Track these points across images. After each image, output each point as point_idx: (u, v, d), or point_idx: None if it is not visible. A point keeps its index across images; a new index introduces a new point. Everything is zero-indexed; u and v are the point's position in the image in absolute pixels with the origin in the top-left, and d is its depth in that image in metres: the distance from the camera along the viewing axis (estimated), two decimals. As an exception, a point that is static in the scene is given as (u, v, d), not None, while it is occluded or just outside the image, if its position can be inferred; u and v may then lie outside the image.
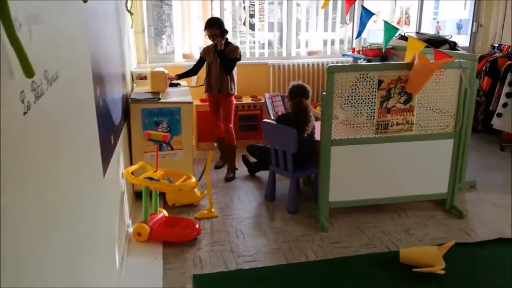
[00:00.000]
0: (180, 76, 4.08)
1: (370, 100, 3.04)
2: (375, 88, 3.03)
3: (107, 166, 2.23)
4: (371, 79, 3.01)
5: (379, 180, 3.21)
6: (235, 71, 4.09)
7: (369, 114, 3.07)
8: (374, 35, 5.79)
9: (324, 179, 3.11)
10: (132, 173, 2.97)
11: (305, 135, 3.24)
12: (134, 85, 4.12)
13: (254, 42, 5.27)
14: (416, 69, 2.94)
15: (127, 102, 3.34)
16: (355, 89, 2.99)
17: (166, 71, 3.84)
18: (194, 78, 4.71)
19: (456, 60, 3.08)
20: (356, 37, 3.85)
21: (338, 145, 3.07)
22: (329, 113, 2.99)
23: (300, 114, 3.20)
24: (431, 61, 2.98)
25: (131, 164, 3.42)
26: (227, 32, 3.95)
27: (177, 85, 4.12)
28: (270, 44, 5.45)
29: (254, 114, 5.01)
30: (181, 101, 3.44)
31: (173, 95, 3.71)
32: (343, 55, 5.29)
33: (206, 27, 3.91)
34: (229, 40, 4.08)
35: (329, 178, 3.10)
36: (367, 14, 3.75)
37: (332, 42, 5.48)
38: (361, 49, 4.87)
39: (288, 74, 5.29)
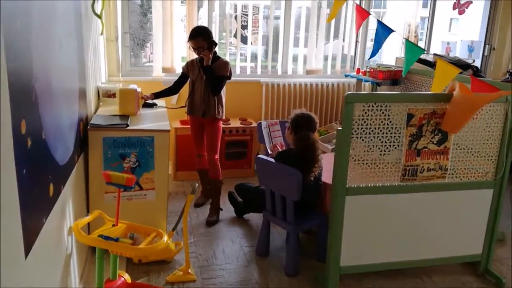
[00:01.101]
0: (157, 95, 3.37)
1: (396, 139, 2.40)
2: (404, 124, 2.38)
3: (33, 239, 1.50)
4: (399, 112, 2.37)
5: (402, 238, 2.55)
6: (223, 92, 3.41)
7: (395, 157, 2.42)
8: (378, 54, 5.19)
9: (335, 237, 2.43)
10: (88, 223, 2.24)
11: (311, 178, 2.57)
12: (101, 103, 3.39)
13: (246, 57, 4.60)
14: (456, 103, 2.31)
15: (85, 128, 2.61)
16: (379, 124, 2.35)
17: (138, 89, 3.12)
18: (175, 96, 4.01)
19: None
20: (370, 57, 3.23)
21: (355, 195, 2.40)
22: (345, 155, 2.33)
23: (305, 152, 2.53)
24: (476, 93, 2.35)
25: (87, 209, 2.68)
26: (216, 44, 3.28)
27: (152, 105, 3.41)
28: (263, 60, 4.80)
29: (243, 140, 4.32)
30: (155, 129, 2.73)
31: (146, 120, 2.99)
32: (346, 75, 4.67)
33: (190, 38, 3.23)
34: (218, 54, 3.41)
35: (341, 236, 2.43)
36: (384, 31, 3.13)
37: (334, 57, 4.85)
38: (368, 70, 4.26)
39: (283, 95, 4.64)
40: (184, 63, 3.52)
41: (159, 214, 2.83)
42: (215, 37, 4.38)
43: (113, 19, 4.09)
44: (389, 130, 2.37)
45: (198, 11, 4.31)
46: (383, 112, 2.33)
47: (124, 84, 3.54)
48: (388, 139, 2.39)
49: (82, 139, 2.58)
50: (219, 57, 3.37)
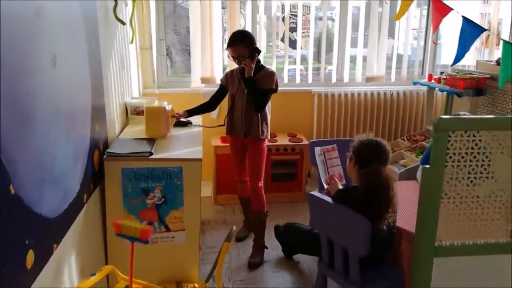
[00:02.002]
0: (191, 112, 2.88)
1: (507, 180, 1.72)
2: (519, 159, 1.71)
3: None
4: (512, 143, 1.70)
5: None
6: (268, 107, 2.86)
7: (503, 205, 1.75)
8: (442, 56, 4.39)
9: (418, 310, 1.79)
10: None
11: (383, 227, 1.94)
12: (130, 121, 2.96)
13: (295, 63, 4.03)
14: None
15: (101, 157, 2.16)
16: (483, 160, 1.69)
17: (168, 106, 2.64)
18: (215, 111, 3.51)
19: None
20: (454, 62, 2.57)
21: (447, 256, 1.75)
22: (434, 202, 1.69)
23: (375, 194, 1.90)
24: None
25: (106, 258, 2.22)
26: (259, 52, 2.74)
27: (187, 124, 2.92)
28: (315, 66, 4.20)
29: (292, 159, 3.75)
30: (183, 158, 2.22)
31: (177, 143, 2.51)
32: (414, 83, 3.97)
33: (229, 45, 2.71)
34: (262, 63, 2.87)
35: (427, 309, 1.78)
36: (473, 30, 2.45)
37: (398, 60, 4.15)
38: (443, 77, 3.54)
39: (339, 107, 4.01)
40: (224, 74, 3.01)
41: (189, 260, 2.32)
42: (259, 43, 3.86)
43: (147, 24, 3.67)
44: (498, 168, 1.70)
45: (240, 13, 3.80)
46: (487, 143, 1.67)
47: (157, 100, 3.09)
48: (497, 180, 1.72)
49: (97, 171, 2.12)
50: (263, 67, 2.82)
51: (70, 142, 1.71)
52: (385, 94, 4.06)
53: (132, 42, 3.22)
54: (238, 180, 3.07)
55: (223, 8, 3.79)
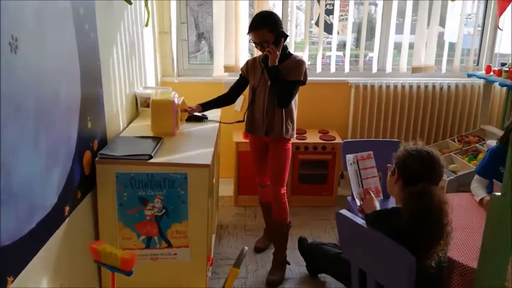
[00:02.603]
0: (206, 106, 2.51)
1: None
2: None
3: None
4: None
5: None
6: (295, 102, 2.47)
7: None
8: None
9: None
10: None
11: (432, 263, 1.52)
12: (140, 115, 2.65)
13: (330, 50, 3.57)
14: None
15: (93, 159, 1.85)
16: None
17: (178, 99, 2.30)
18: (238, 102, 3.14)
19: None
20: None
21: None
22: (506, 237, 1.25)
23: (425, 222, 1.48)
24: None
25: (100, 280, 1.93)
26: (285, 36, 2.33)
27: (202, 118, 2.57)
28: (353, 54, 3.74)
29: (322, 160, 3.33)
30: (188, 163, 1.87)
31: (186, 143, 2.17)
32: (469, 75, 3.43)
33: (251, 29, 2.32)
34: (289, 50, 2.46)
35: None
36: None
37: (450, 48, 3.61)
38: (507, 69, 2.99)
39: (379, 100, 3.54)
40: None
41: (195, 280, 1.99)
42: (290, 26, 3.43)
43: (166, 5, 3.33)
44: None
45: (270, -7, 3.38)
46: None
47: (172, 90, 2.75)
48: None
49: (88, 175, 1.82)
50: (290, 54, 2.42)
51: (41, 145, 1.40)
52: (433, 87, 3.54)
53: (147, 25, 2.90)
54: (258, 183, 2.71)
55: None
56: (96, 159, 1.84)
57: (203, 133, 2.36)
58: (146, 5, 2.87)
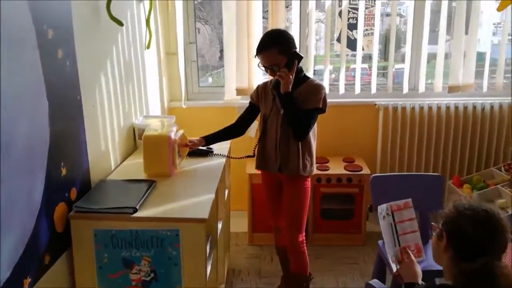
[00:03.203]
0: (211, 139, 2.18)
1: None
2: None
3: None
4: None
5: None
6: (313, 133, 2.11)
7: None
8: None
9: None
10: None
11: None
12: (138, 148, 2.36)
13: (354, 68, 3.21)
14: None
15: (69, 212, 1.54)
16: None
17: (176, 133, 1.97)
18: (253, 127, 2.79)
19: None
20: None
21: None
22: None
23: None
24: None
25: None
26: (300, 58, 1.99)
27: (207, 153, 2.25)
28: (381, 73, 3.36)
29: (348, 193, 2.94)
30: (181, 217, 1.54)
31: (183, 187, 1.84)
32: (517, 94, 2.99)
33: (259, 50, 2.00)
34: (305, 72, 2.12)
35: None
36: None
37: (493, 63, 3.18)
38: None
39: (412, 124, 3.13)
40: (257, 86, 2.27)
41: None
42: (308, 44, 3.08)
43: (172, 25, 3.06)
44: None
45: (286, 8, 3.05)
46: None
47: (172, 121, 2.45)
48: None
49: (63, 233, 1.51)
50: (307, 78, 2.08)
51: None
52: (474, 107, 3.11)
53: (148, 47, 2.62)
54: (273, 226, 2.35)
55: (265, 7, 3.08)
56: (70, 213, 1.53)
57: (207, 171, 2.03)
58: (147, 25, 2.60)
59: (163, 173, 1.89)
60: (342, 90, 3.15)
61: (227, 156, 2.25)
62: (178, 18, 3.00)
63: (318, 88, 2.03)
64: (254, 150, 2.18)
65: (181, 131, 2.02)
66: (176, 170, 1.96)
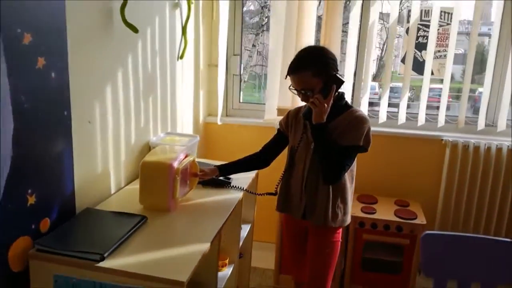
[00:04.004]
0: (227, 170, 1.86)
1: None
2: None
3: None
4: None
5: None
6: (352, 174, 1.72)
7: None
8: None
9: None
10: None
11: None
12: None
13: (419, 97, 2.72)
14: None
15: (28, 250, 1.31)
16: None
17: (183, 160, 1.67)
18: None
19: None
20: None
21: None
22: None
23: None
24: None
25: None
26: (340, 82, 1.61)
27: (224, 183, 1.93)
28: (452, 104, 2.83)
29: (397, 244, 2.46)
30: (152, 275, 1.22)
31: (179, 228, 1.53)
32: None
33: (291, 70, 1.65)
34: (346, 99, 1.73)
35: None
36: None
37: None
38: None
39: (485, 167, 2.57)
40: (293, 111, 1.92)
41: None
42: (365, 66, 2.65)
43: (215, 35, 2.81)
44: None
45: (342, 20, 2.67)
46: None
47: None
48: None
49: (20, 273, 1.28)
50: (348, 107, 1.69)
51: None
52: None
53: (182, 57, 2.38)
54: (294, 281, 1.97)
55: (319, 16, 2.72)
56: (30, 251, 1.29)
57: (216, 208, 1.72)
58: (184, 33, 2.36)
59: (161, 207, 1.60)
60: (402, 119, 2.68)
61: (246, 190, 1.91)
62: (221, 27, 2.74)
63: (361, 121, 1.64)
64: (276, 188, 1.82)
65: (190, 158, 1.72)
66: (179, 204, 1.66)
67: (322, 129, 1.60)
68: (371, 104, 2.85)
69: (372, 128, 1.68)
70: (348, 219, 1.76)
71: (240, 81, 3.01)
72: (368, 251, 2.51)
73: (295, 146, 1.75)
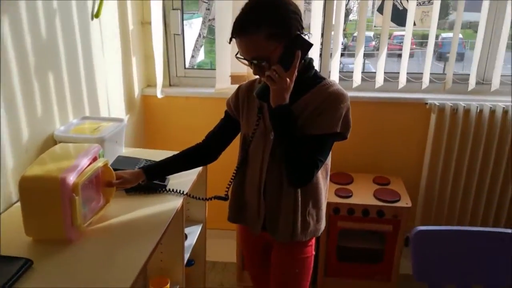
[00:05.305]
0: (154, 172, 1.36)
1: None
2: None
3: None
4: None
5: None
6: (326, 168, 1.27)
7: None
8: None
9: None
10: None
11: None
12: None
13: (399, 56, 2.26)
14: None
15: None
16: None
17: (82, 170, 1.16)
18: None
19: None
20: None
21: None
22: None
23: None
24: None
25: None
26: (307, 46, 1.13)
27: (155, 188, 1.44)
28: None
29: (377, 230, 2.10)
30: None
31: (78, 278, 1.06)
32: None
33: (236, 31, 1.14)
34: (316, 68, 1.25)
35: None
36: None
37: None
38: None
39: (477, 133, 2.20)
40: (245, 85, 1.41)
41: None
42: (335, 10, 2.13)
43: (145, -16, 2.21)
44: None
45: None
46: None
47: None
48: None
49: None
50: (319, 80, 1.21)
51: None
52: None
53: (97, 15, 1.80)
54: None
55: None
56: None
57: (144, 225, 1.25)
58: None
59: (56, 238, 1.12)
60: (380, 81, 2.24)
61: (186, 194, 1.43)
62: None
63: (337, 98, 1.18)
64: (227, 191, 1.36)
65: (99, 163, 1.21)
66: (85, 230, 1.18)
67: (285, 114, 1.13)
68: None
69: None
70: (323, 226, 1.34)
71: (183, 42, 2.44)
72: (345, 239, 2.14)
73: (248, 136, 1.28)
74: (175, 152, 1.39)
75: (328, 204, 2.01)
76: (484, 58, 2.23)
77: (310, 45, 1.14)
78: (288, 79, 1.11)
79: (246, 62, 1.19)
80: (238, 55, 1.19)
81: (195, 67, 3.08)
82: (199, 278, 1.86)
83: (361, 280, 2.19)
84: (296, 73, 1.13)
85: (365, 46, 2.20)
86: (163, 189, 1.43)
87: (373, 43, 3.22)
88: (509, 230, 1.47)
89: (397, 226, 2.05)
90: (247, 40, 1.12)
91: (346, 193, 2.10)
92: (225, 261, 2.39)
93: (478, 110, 2.16)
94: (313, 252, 1.34)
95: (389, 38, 2.51)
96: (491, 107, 2.15)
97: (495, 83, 2.19)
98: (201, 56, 3.32)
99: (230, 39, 1.18)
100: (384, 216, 2.04)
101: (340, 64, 2.25)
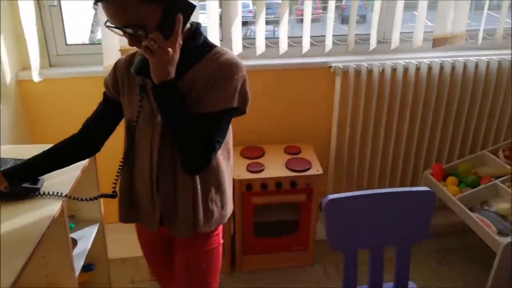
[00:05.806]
0: (17, 175, 1.12)
1: None
2: None
3: None
4: None
5: None
6: (226, 146, 1.13)
7: None
8: None
9: None
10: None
11: None
12: None
13: (302, 21, 2.16)
14: None
15: None
16: None
17: None
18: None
19: None
20: None
21: None
22: None
23: None
24: None
25: None
26: (190, 8, 0.96)
27: (24, 193, 1.20)
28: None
29: (290, 202, 2.05)
30: None
31: None
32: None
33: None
34: (205, 34, 1.08)
35: None
36: None
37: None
38: None
39: (380, 93, 2.20)
40: (124, 59, 1.20)
41: None
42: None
43: None
44: None
45: None
46: None
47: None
48: None
49: None
50: (209, 48, 1.05)
51: None
52: (465, 67, 2.21)
53: None
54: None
55: None
56: None
57: (8, 242, 1.02)
58: None
59: None
60: (284, 47, 2.13)
61: (65, 196, 1.21)
62: None
63: (229, 68, 1.02)
64: (114, 186, 1.16)
65: None
66: None
67: (170, 91, 0.96)
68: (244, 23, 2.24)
69: (248, 62, 1.09)
70: (229, 210, 1.21)
71: (61, 14, 2.10)
72: (260, 214, 2.06)
73: (132, 119, 1.09)
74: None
75: (240, 181, 1.93)
76: (383, 18, 2.21)
77: (193, 6, 0.97)
78: (170, 49, 0.93)
79: (119, 31, 0.98)
80: (108, 23, 0.97)
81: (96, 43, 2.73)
82: (103, 281, 1.66)
83: (280, 253, 2.15)
84: (180, 41, 0.96)
85: (273, 13, 2.06)
86: (37, 193, 1.19)
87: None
88: (423, 188, 1.48)
89: (310, 194, 2.02)
90: (114, 3, 0.91)
91: (258, 167, 2.00)
92: (136, 255, 2.19)
93: (380, 70, 2.16)
94: (221, 241, 1.22)
95: (296, 4, 2.42)
96: (392, 65, 2.16)
97: (395, 41, 2.20)
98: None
99: (95, 3, 0.95)
100: (297, 186, 1.99)
101: (249, 31, 2.09)
